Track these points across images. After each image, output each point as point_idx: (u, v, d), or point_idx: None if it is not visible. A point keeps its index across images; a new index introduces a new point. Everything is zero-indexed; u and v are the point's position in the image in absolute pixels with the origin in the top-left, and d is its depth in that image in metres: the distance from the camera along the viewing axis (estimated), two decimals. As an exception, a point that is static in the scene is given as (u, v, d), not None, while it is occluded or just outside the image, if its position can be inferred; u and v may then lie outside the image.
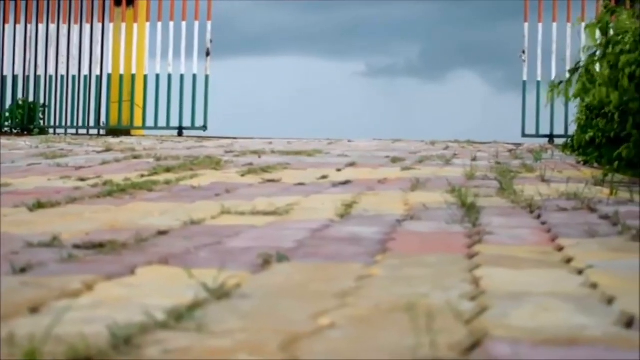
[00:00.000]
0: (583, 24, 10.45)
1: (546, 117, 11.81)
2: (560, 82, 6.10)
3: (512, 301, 1.25)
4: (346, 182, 3.95)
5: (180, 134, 12.29)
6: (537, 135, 11.72)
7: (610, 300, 1.30)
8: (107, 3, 12.66)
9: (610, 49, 4.94)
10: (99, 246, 1.82)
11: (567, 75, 6.33)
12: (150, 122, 12.71)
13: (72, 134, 12.59)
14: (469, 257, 1.75)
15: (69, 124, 12.71)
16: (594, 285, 1.43)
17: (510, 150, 8.81)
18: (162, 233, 2.08)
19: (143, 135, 12.47)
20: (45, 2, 12.80)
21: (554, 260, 1.72)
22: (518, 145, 10.65)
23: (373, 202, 2.96)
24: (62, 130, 12.83)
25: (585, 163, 6.08)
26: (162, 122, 12.47)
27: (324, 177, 4.28)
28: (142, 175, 4.05)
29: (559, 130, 11.53)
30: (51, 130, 12.80)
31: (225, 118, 17.52)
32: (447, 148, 9.07)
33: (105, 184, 3.60)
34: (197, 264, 1.61)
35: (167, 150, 6.53)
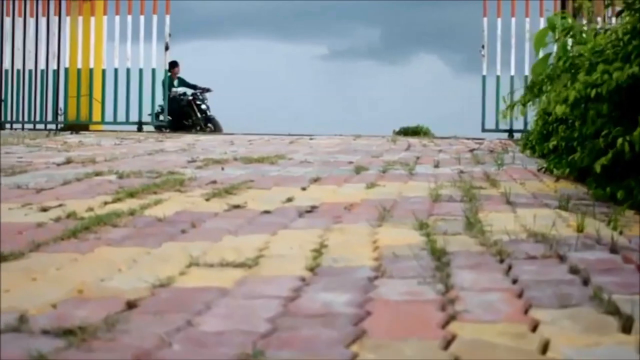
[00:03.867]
0: (543, 18, 10.44)
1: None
2: (515, 104, 6.12)
3: None
4: (312, 209, 3.93)
5: (139, 129, 12.20)
6: (497, 130, 11.80)
7: None
8: (64, -4, 12.50)
9: (566, 65, 4.95)
10: (68, 333, 1.78)
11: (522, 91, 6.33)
12: (109, 117, 12.62)
13: (30, 129, 12.44)
14: (445, 343, 1.74)
15: (26, 119, 12.57)
16: (574, 396, 1.42)
17: (471, 150, 8.83)
18: (131, 306, 2.05)
19: (101, 130, 12.36)
20: (0, -5, 12.59)
21: (531, 348, 1.72)
22: (479, 141, 10.69)
23: (341, 245, 2.94)
24: (19, 125, 12.68)
25: (547, 170, 6.10)
26: (121, 117, 12.38)
27: (289, 199, 4.26)
28: (106, 202, 3.99)
29: (518, 124, 11.59)
30: (8, 126, 12.65)
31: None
32: (408, 148, 9.08)
33: (69, 216, 3.56)
34: (172, 366, 1.58)
35: (128, 159, 6.46)
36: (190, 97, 17.35)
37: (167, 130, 15.18)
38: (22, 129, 12.61)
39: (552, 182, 5.50)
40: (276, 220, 3.57)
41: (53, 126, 12.74)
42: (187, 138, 10.12)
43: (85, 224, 3.28)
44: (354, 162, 6.90)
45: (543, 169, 6.16)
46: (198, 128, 16.79)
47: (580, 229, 3.26)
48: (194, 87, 17.54)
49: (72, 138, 10.11)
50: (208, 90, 17.68)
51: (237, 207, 3.99)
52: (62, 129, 12.24)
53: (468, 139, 11.39)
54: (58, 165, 5.82)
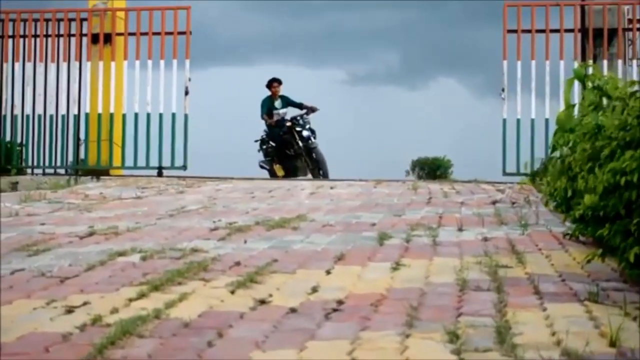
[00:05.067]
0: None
1: (527, 154, 11.79)
2: (535, 172, 6.10)
3: None
4: (338, 305, 3.90)
5: (160, 174, 12.21)
6: (518, 174, 11.73)
7: None
8: (84, 41, 12.56)
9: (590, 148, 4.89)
10: None
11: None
12: (129, 161, 12.65)
13: (50, 174, 12.47)
14: None
15: (46, 163, 12.61)
16: None
17: (493, 202, 8.78)
18: None
19: (122, 176, 12.38)
20: (22, 41, 12.68)
21: None
22: (500, 187, 10.63)
23: (371, 369, 2.91)
24: (40, 170, 12.71)
25: (572, 236, 6.05)
26: (141, 161, 12.40)
27: (314, 290, 4.23)
28: (130, 299, 3.98)
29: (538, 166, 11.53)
30: (29, 170, 12.68)
31: (206, 133, 17.19)
32: (429, 200, 9.03)
33: (94, 322, 3.55)
34: None
35: (150, 227, 6.45)
36: (289, 122, 14.29)
37: (277, 167, 13.97)
38: (43, 173, 12.67)
39: (578, 252, 5.47)
40: (303, 325, 3.54)
41: (73, 171, 12.76)
42: (207, 189, 10.13)
43: (111, 338, 3.26)
44: (377, 223, 6.88)
45: (568, 236, 6.12)
46: (303, 159, 14.15)
47: (613, 342, 3.22)
48: (299, 106, 14.53)
49: (93, 189, 10.13)
50: (313, 110, 14.44)
51: (262, 302, 3.97)
52: (83, 174, 12.27)
53: (488, 182, 11.35)
54: (81, 238, 5.82)
